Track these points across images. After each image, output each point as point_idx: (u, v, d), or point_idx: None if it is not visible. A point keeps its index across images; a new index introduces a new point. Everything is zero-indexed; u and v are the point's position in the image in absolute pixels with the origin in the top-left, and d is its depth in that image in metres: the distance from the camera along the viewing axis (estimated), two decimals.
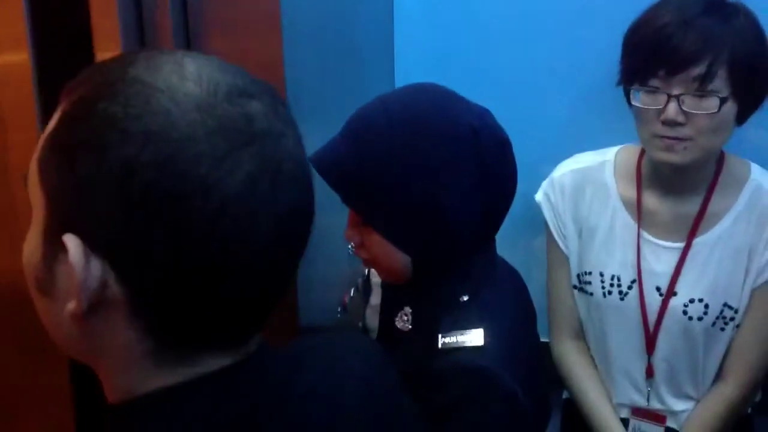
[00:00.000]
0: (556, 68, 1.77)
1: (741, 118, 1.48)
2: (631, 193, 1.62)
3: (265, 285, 0.66)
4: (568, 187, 1.68)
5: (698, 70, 1.39)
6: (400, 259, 1.11)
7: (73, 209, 0.62)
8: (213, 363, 0.67)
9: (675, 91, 1.41)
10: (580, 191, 1.67)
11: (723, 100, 1.40)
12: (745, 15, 1.45)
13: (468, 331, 1.06)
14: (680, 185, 1.56)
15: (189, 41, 1.09)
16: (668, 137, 1.43)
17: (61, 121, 0.64)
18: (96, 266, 0.61)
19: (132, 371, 0.66)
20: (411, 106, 1.09)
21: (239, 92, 0.64)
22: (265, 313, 0.69)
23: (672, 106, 1.41)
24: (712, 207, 1.56)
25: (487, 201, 1.08)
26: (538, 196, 1.72)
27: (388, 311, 1.19)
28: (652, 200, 1.60)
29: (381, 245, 1.10)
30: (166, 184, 0.59)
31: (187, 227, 0.60)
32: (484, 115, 1.11)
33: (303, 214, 0.67)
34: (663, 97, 1.42)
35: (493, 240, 1.18)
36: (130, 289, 0.62)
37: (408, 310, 1.14)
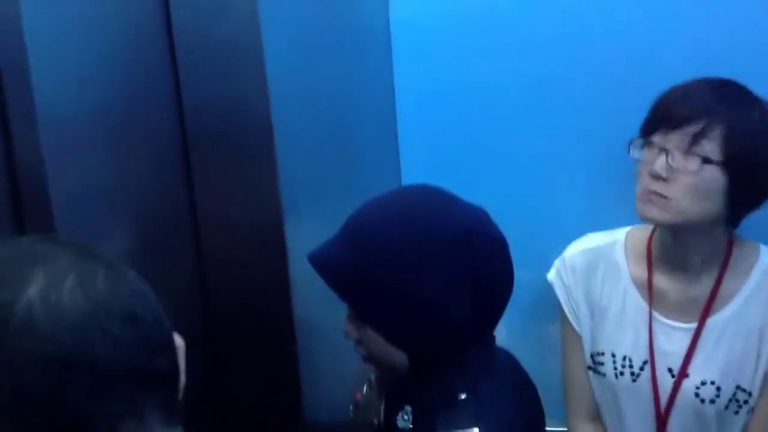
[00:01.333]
0: (564, 152, 1.80)
1: (736, 201, 1.48)
2: (642, 273, 1.64)
3: None
4: (579, 266, 1.70)
5: (693, 129, 1.44)
6: (396, 355, 1.14)
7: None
8: None
9: (668, 146, 1.46)
10: (592, 271, 1.69)
11: (706, 161, 1.43)
12: (763, 109, 1.49)
13: (465, 431, 1.08)
14: (688, 265, 1.58)
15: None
16: (651, 191, 1.48)
17: None
18: None
19: None
20: (407, 209, 1.14)
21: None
22: (167, 407, 0.74)
23: (661, 160, 1.46)
24: (723, 288, 1.57)
25: (479, 299, 1.11)
26: (551, 275, 1.75)
27: (390, 409, 1.21)
28: (662, 281, 1.62)
29: (377, 342, 1.14)
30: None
31: None
32: (479, 215, 1.15)
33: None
34: (656, 152, 1.47)
35: (491, 332, 1.21)
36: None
37: (408, 408, 1.17)
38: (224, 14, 1.14)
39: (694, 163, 1.44)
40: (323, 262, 1.12)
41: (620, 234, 1.70)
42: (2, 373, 0.66)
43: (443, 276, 1.09)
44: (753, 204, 1.51)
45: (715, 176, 1.45)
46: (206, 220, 1.18)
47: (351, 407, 1.38)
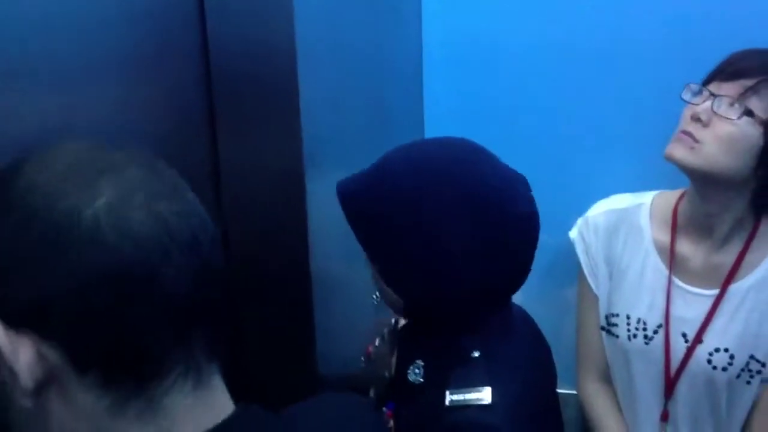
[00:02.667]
0: (594, 112, 1.77)
1: (764, 176, 1.46)
2: (665, 238, 1.63)
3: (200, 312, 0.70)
4: (602, 227, 1.69)
5: (747, 82, 1.43)
6: (394, 298, 1.16)
7: (32, 305, 0.64)
8: (184, 416, 0.70)
9: (719, 92, 1.45)
10: (614, 232, 1.68)
11: (748, 113, 1.41)
12: None
13: (476, 389, 1.07)
14: (715, 233, 1.56)
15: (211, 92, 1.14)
16: (686, 132, 1.47)
17: None
18: (25, 342, 0.64)
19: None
20: (434, 156, 1.11)
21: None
22: (213, 339, 0.72)
23: (706, 103, 1.46)
24: (747, 257, 1.56)
25: (492, 268, 1.09)
26: (573, 234, 1.74)
27: (402, 363, 1.22)
28: (686, 247, 1.60)
29: (379, 281, 1.16)
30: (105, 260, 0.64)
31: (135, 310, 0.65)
32: (512, 183, 1.11)
33: (219, 271, 0.72)
34: (706, 96, 1.46)
35: (509, 299, 1.20)
36: (67, 350, 0.65)
37: (420, 363, 1.17)
38: None
39: (736, 112, 1.43)
40: (342, 189, 1.13)
41: (647, 197, 1.68)
42: (63, 281, 0.64)
43: (448, 234, 1.06)
44: None
45: (751, 132, 1.42)
46: (227, 169, 1.17)
47: (363, 359, 1.39)
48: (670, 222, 1.63)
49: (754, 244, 1.56)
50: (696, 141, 1.46)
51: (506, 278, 1.13)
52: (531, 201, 1.12)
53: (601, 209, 1.71)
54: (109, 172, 0.68)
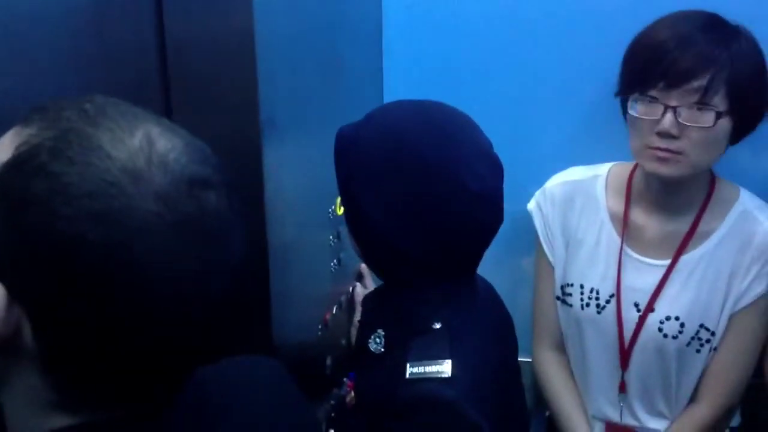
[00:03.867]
0: (549, 83, 1.76)
1: (735, 137, 1.49)
2: (620, 208, 1.64)
3: (178, 356, 0.69)
4: (558, 197, 1.70)
5: (699, 83, 1.40)
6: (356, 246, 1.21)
7: (5, 259, 0.63)
8: (118, 408, 0.69)
9: (673, 103, 1.42)
10: (570, 203, 1.69)
11: (719, 115, 1.41)
12: (746, 37, 1.46)
13: (437, 362, 1.07)
14: (669, 203, 1.58)
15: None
16: (661, 149, 1.45)
17: (9, 165, 0.64)
18: (14, 313, 0.63)
19: (33, 409, 0.68)
20: (402, 120, 1.14)
21: (201, 183, 0.65)
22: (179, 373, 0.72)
23: (668, 117, 1.43)
24: (699, 227, 1.58)
25: (430, 239, 1.10)
26: (530, 205, 1.75)
27: (363, 332, 1.22)
28: (640, 217, 1.62)
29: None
30: (109, 269, 0.61)
31: (119, 310, 0.62)
32: (474, 158, 1.11)
33: (232, 302, 0.71)
34: (660, 108, 1.43)
35: (471, 271, 1.20)
36: (43, 346, 0.64)
37: (381, 332, 1.17)
38: None
39: (708, 118, 1.41)
40: (338, 132, 1.19)
41: (603, 169, 1.69)
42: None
43: (391, 197, 1.10)
44: (754, 124, 1.50)
45: (724, 125, 1.43)
46: None
47: (320, 327, 1.39)
48: (624, 193, 1.65)
49: (706, 214, 1.58)
50: (677, 153, 1.44)
51: (448, 251, 1.13)
52: (488, 181, 1.12)
53: (557, 181, 1.72)
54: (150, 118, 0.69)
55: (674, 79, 1.42)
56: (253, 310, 1.19)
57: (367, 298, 1.32)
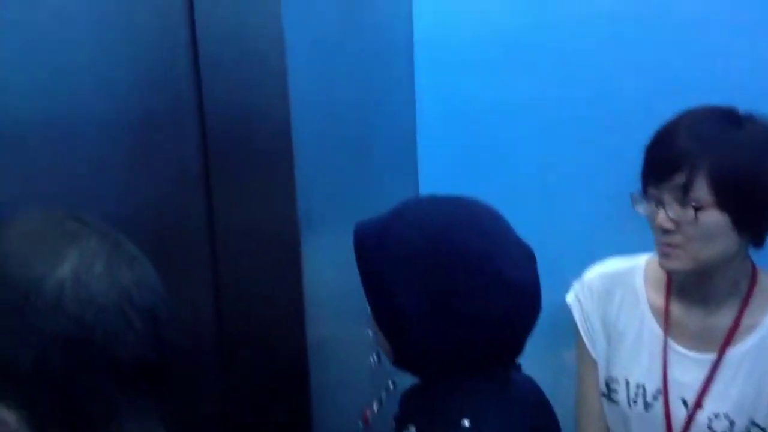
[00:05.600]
0: (583, 174, 1.78)
1: (752, 231, 1.46)
2: (660, 300, 1.62)
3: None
4: (598, 290, 1.69)
5: (679, 178, 1.41)
6: (386, 344, 1.17)
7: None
8: None
9: (663, 199, 1.44)
10: (610, 295, 1.67)
11: (698, 209, 1.40)
12: (753, 128, 1.44)
13: None
14: (704, 296, 1.55)
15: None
16: (665, 244, 1.46)
17: None
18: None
19: None
20: (429, 215, 1.14)
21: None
22: (161, 403, 0.75)
23: (661, 214, 1.45)
24: (743, 321, 1.55)
25: (474, 329, 1.09)
26: (569, 298, 1.73)
27: (398, 428, 1.20)
28: (681, 309, 1.59)
29: (372, 321, 1.18)
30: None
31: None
32: (507, 249, 1.11)
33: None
34: (654, 205, 1.46)
35: (509, 365, 1.18)
36: (25, 412, 0.67)
37: (413, 428, 1.15)
38: (248, 23, 1.14)
39: (689, 214, 1.42)
40: (357, 229, 1.17)
41: (641, 260, 1.68)
42: (25, 345, 0.67)
43: (427, 294, 1.08)
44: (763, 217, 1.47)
45: (714, 218, 1.41)
46: (223, 229, 1.17)
47: (360, 423, 1.37)
48: (663, 285, 1.63)
49: (750, 307, 1.55)
50: (676, 247, 1.45)
51: (486, 345, 1.11)
52: (525, 270, 1.12)
53: (596, 273, 1.71)
54: (71, 242, 0.72)
55: (658, 175, 1.45)
56: (292, 406, 1.19)
57: (403, 395, 1.30)
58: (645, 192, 1.48)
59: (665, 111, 1.52)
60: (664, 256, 1.47)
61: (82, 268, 0.70)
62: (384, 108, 1.65)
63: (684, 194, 1.41)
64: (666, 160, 1.43)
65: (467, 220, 1.13)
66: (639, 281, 1.65)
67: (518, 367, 1.23)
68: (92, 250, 0.72)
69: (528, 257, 1.14)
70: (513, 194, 1.83)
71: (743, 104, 1.47)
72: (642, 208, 1.49)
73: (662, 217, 1.44)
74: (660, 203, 1.45)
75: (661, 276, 1.63)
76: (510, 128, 1.82)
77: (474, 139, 1.84)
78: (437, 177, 1.87)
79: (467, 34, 1.82)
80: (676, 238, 1.44)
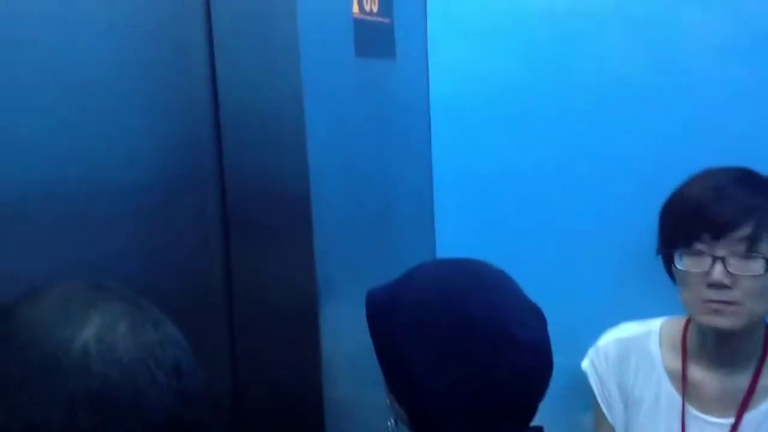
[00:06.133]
0: (598, 237, 1.79)
1: None
2: (677, 364, 1.61)
3: None
4: (612, 355, 1.68)
5: (743, 232, 1.41)
6: (399, 408, 1.16)
7: None
8: None
9: (720, 253, 1.42)
10: (625, 360, 1.66)
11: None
12: None
13: None
14: (727, 357, 1.54)
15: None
16: (715, 301, 1.44)
17: None
18: None
19: None
20: (437, 279, 1.14)
21: None
22: None
23: (718, 269, 1.42)
24: (760, 382, 1.54)
25: (487, 391, 1.08)
26: (585, 364, 1.72)
27: None
28: (698, 373, 1.58)
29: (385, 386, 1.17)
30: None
31: None
32: (515, 311, 1.11)
33: None
34: (708, 260, 1.43)
35: (520, 428, 1.17)
36: None
37: None
38: (269, 90, 1.17)
39: (758, 266, 1.41)
40: (368, 295, 1.16)
41: (655, 324, 1.67)
42: (54, 406, 0.69)
43: (439, 358, 1.08)
44: None
45: None
46: (241, 294, 1.18)
47: None
48: (680, 349, 1.62)
49: (766, 368, 1.54)
50: (732, 304, 1.43)
51: (500, 406, 1.10)
52: (536, 331, 1.12)
53: (610, 338, 1.70)
54: (95, 307, 0.76)
55: (718, 231, 1.43)
56: None
57: None
58: (691, 248, 1.46)
59: (679, 172, 1.54)
60: (716, 313, 1.44)
61: (105, 329, 0.73)
62: (401, 171, 1.68)
63: (749, 248, 1.41)
64: (726, 214, 1.42)
65: (475, 283, 1.14)
66: (654, 345, 1.64)
67: (540, 430, 1.22)
68: (115, 313, 0.75)
69: (538, 317, 1.15)
70: (528, 258, 1.83)
71: (750, 162, 1.50)
72: (686, 266, 1.47)
73: (720, 273, 1.42)
74: (717, 259, 1.43)
75: (676, 339, 1.63)
76: (526, 190, 1.84)
77: (491, 202, 1.87)
78: (454, 240, 1.88)
79: (484, 96, 1.86)
80: (732, 294, 1.42)
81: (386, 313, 1.15)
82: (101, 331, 0.73)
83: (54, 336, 0.72)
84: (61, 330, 0.73)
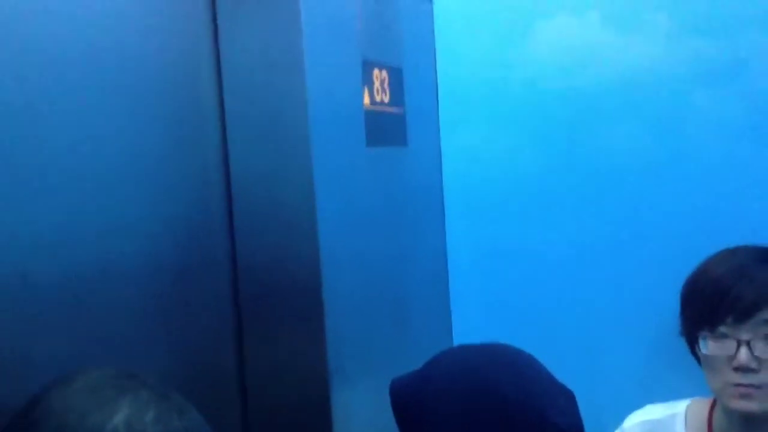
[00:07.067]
0: (617, 320, 1.78)
1: None
2: None
3: None
4: None
5: (765, 315, 1.38)
6: None
7: None
8: None
9: (744, 337, 1.40)
10: None
11: None
12: None
13: None
14: None
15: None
16: (743, 385, 1.40)
17: None
18: None
19: None
20: (461, 361, 1.14)
21: None
22: None
23: (743, 352, 1.39)
24: None
25: None
26: None
27: None
28: None
29: None
30: None
31: None
32: (547, 394, 1.10)
33: None
34: (733, 343, 1.41)
35: None
36: None
37: None
38: (280, 181, 1.21)
39: None
40: (392, 385, 1.15)
41: (681, 407, 1.64)
42: None
43: None
44: None
45: None
46: (254, 383, 1.18)
47: None
48: (705, 431, 1.58)
49: None
50: (760, 387, 1.41)
51: None
52: (570, 416, 1.11)
53: (636, 420, 1.66)
54: (124, 395, 0.79)
55: (742, 314, 1.41)
56: None
57: None
58: (712, 331, 1.44)
59: (698, 250, 1.54)
60: (743, 397, 1.41)
61: (134, 417, 0.76)
62: (416, 256, 1.69)
63: None
64: (750, 296, 1.40)
65: (506, 367, 1.13)
66: (680, 428, 1.60)
67: None
68: (143, 401, 0.78)
69: (570, 401, 1.13)
70: (549, 339, 1.82)
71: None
72: (711, 350, 1.44)
73: (745, 357, 1.39)
74: (742, 342, 1.41)
75: (702, 422, 1.59)
76: (544, 272, 1.84)
77: (508, 284, 1.87)
78: (472, 324, 1.87)
79: (497, 180, 1.88)
80: (760, 378, 1.39)
81: (414, 403, 1.13)
82: (130, 419, 0.76)
83: (85, 423, 0.75)
84: (91, 417, 0.76)
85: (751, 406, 1.41)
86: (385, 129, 1.55)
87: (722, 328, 1.43)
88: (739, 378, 1.41)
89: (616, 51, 1.82)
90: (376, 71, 1.48)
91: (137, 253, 1.08)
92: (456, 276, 1.87)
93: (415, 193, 1.75)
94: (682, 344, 1.59)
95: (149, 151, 1.11)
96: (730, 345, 1.42)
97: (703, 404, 1.61)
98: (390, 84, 1.55)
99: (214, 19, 1.23)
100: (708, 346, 1.45)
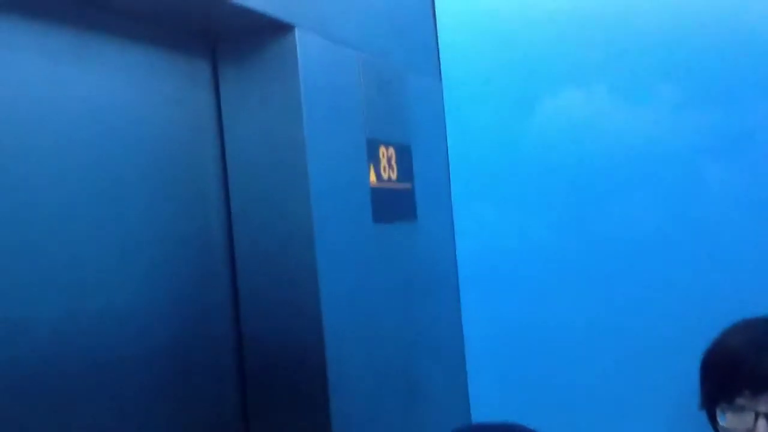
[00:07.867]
0: (639, 392, 1.75)
1: None
2: None
3: None
4: None
5: None
6: None
7: None
8: None
9: (762, 409, 1.37)
10: None
11: None
12: None
13: None
14: None
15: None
16: None
17: None
18: None
19: None
20: None
21: None
22: None
23: (761, 424, 1.36)
24: None
25: None
26: None
27: None
28: None
29: None
30: None
31: None
32: None
33: None
34: (751, 416, 1.38)
35: None
36: None
37: None
38: (283, 259, 1.22)
39: None
40: None
41: None
42: None
43: None
44: None
45: None
46: None
47: None
48: None
49: None
50: None
51: None
52: None
53: None
54: None
55: (759, 385, 1.39)
56: None
57: None
58: (730, 404, 1.42)
59: (712, 324, 1.52)
60: None
61: None
62: (429, 333, 1.68)
63: None
64: (766, 370, 1.38)
65: None
66: None
67: None
68: None
69: None
70: (567, 417, 1.79)
71: None
72: (729, 422, 1.42)
73: (764, 429, 1.35)
74: (760, 414, 1.37)
75: None
76: (561, 348, 1.82)
77: (525, 361, 1.85)
78: (489, 402, 1.85)
79: (511, 255, 1.88)
80: None
81: None
82: None
83: None
84: None
85: None
86: (393, 205, 1.57)
87: (740, 400, 1.40)
88: None
89: (624, 123, 1.83)
90: (382, 149, 1.51)
91: (146, 337, 1.09)
92: (472, 351, 1.86)
93: (428, 267, 1.76)
94: (702, 418, 1.55)
95: (155, 233, 1.14)
96: (748, 417, 1.39)
97: None
98: (398, 161, 1.58)
99: (218, 106, 1.28)
100: (726, 419, 1.42)
